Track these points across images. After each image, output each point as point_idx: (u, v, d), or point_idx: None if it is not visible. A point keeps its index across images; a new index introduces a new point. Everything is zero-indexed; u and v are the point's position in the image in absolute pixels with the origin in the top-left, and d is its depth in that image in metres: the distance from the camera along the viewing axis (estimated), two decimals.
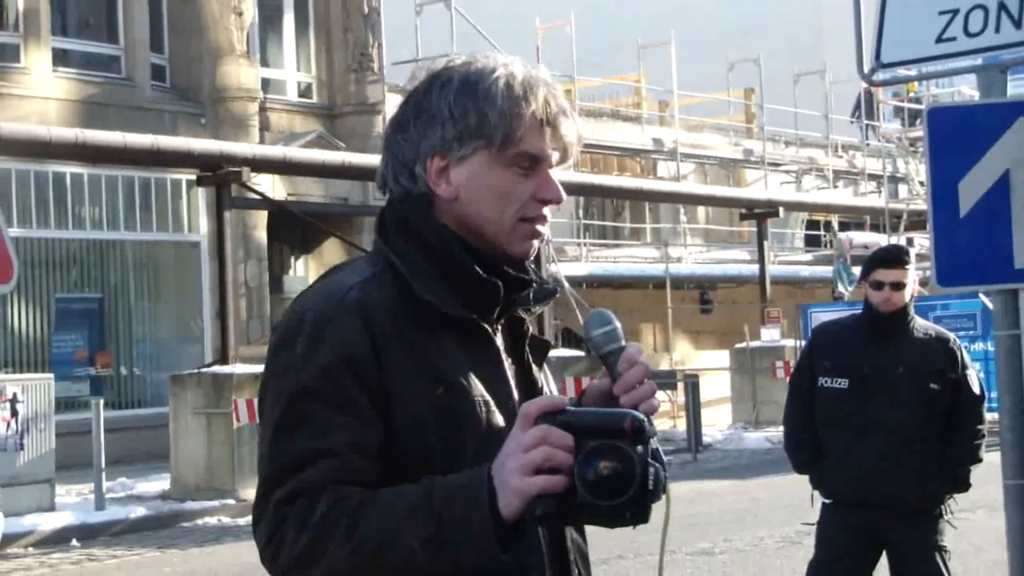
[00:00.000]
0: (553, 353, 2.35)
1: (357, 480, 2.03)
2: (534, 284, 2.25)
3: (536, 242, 2.23)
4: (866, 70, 4.86)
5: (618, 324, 2.22)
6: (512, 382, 2.22)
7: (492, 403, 2.14)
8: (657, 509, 2.00)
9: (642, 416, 1.97)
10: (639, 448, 1.94)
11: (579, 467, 1.93)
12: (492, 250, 2.19)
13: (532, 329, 2.31)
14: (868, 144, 34.63)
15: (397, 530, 1.96)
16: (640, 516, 1.95)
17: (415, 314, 2.13)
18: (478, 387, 2.14)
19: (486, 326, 2.19)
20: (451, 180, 2.18)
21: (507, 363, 2.23)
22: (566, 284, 19.50)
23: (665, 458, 2.03)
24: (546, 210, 2.21)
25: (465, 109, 2.16)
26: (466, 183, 2.17)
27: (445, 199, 2.19)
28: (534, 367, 2.30)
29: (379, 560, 1.97)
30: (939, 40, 4.66)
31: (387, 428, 2.08)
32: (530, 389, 2.27)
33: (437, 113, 2.17)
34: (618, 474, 1.93)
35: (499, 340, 2.23)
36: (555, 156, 2.20)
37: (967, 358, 5.93)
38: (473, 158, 2.17)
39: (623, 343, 2.20)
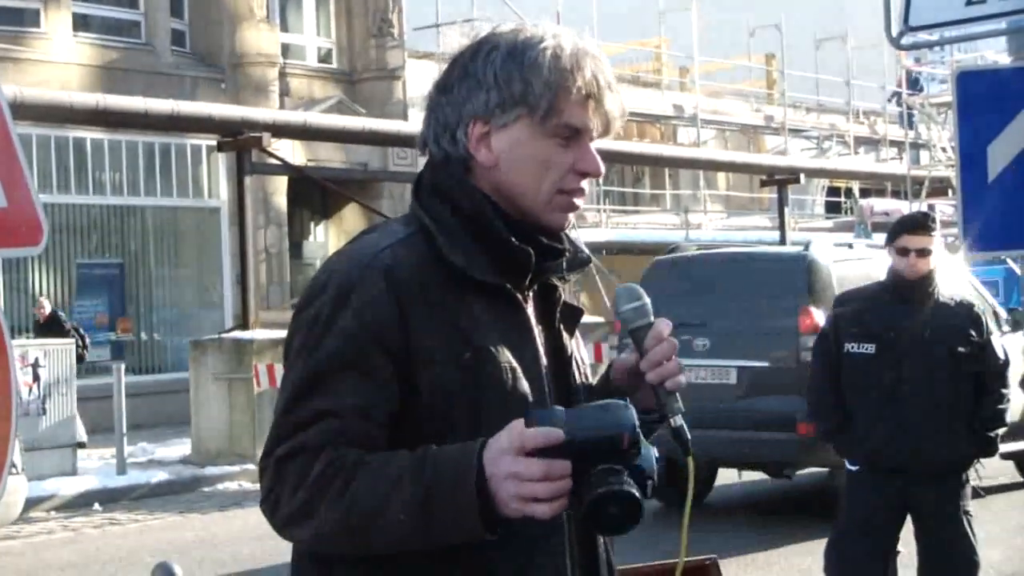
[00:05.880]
0: None
1: (358, 443, 2.05)
2: (567, 252, 2.24)
3: (571, 215, 2.22)
4: (894, 33, 4.82)
5: (647, 300, 2.21)
6: (541, 349, 2.21)
7: (519, 370, 2.14)
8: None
9: (637, 428, 1.98)
10: (635, 456, 1.97)
11: (587, 506, 1.95)
12: (527, 219, 2.18)
13: (564, 297, 2.30)
14: (912, 116, 34.15)
15: (386, 497, 1.98)
16: (632, 526, 2.00)
17: (445, 277, 2.12)
18: (505, 353, 2.13)
19: (516, 293, 2.18)
20: (491, 147, 2.17)
21: (536, 330, 2.22)
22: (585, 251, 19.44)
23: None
24: (584, 183, 2.20)
25: (510, 76, 2.15)
26: (506, 151, 2.17)
27: (484, 165, 2.18)
28: (564, 335, 2.29)
29: (367, 524, 2.00)
30: (969, 2, 4.61)
31: (412, 391, 2.08)
32: (559, 356, 2.26)
33: (482, 79, 2.17)
34: (623, 515, 1.96)
35: (530, 307, 2.22)
36: (597, 129, 2.19)
37: (991, 324, 5.94)
38: (515, 126, 2.16)
39: (652, 319, 2.18)
